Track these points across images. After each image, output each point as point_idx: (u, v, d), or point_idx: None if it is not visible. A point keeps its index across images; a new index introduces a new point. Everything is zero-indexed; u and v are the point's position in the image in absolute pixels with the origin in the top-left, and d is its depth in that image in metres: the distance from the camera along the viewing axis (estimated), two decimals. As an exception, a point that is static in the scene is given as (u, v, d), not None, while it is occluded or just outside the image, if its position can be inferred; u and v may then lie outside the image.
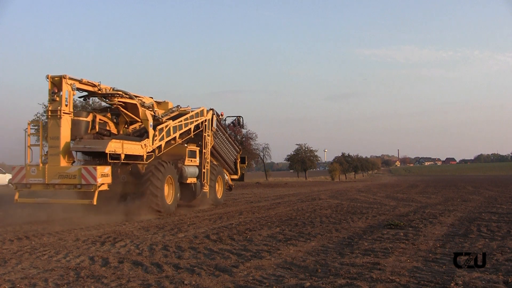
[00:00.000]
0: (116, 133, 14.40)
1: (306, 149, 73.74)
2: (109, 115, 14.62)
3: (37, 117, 32.95)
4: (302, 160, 72.23)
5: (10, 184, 31.22)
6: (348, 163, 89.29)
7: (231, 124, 22.48)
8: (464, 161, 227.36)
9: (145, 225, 11.51)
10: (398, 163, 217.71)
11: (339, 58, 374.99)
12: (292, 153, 73.82)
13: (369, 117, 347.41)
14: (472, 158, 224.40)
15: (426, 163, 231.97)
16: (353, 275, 6.02)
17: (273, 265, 6.73)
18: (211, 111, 17.56)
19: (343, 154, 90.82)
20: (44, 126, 13.45)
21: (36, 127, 13.69)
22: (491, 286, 5.49)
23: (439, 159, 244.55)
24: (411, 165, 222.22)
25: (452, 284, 5.54)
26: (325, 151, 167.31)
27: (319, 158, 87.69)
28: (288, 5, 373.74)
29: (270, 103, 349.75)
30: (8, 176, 34.15)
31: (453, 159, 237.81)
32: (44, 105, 32.55)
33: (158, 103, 15.84)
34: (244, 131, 46.77)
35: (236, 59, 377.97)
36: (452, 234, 9.68)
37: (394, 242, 8.68)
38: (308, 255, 7.45)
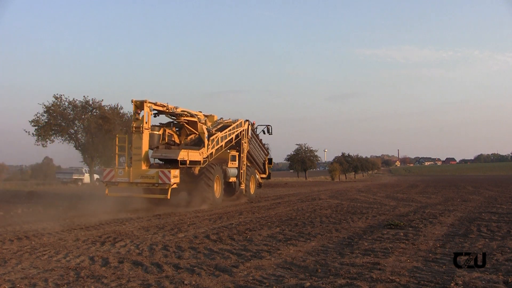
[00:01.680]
0: (179, 143, 17.55)
1: (306, 149, 73.54)
2: (173, 128, 17.75)
3: (37, 117, 33.02)
4: (302, 160, 72.05)
5: (97, 183, 36.44)
6: (348, 163, 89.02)
7: (262, 132, 24.47)
8: (464, 161, 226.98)
9: (145, 225, 11.51)
10: (398, 163, 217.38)
11: (339, 58, 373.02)
12: (292, 153, 73.59)
13: (369, 117, 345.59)
14: (472, 158, 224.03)
15: (426, 163, 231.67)
16: (353, 275, 6.02)
17: (273, 265, 6.74)
18: (247, 122, 20.91)
19: (343, 154, 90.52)
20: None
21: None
22: (491, 286, 5.49)
23: (439, 159, 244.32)
24: (411, 165, 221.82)
25: (452, 284, 5.54)
26: (325, 151, 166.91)
27: (319, 158, 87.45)
28: (288, 5, 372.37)
29: (270, 103, 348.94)
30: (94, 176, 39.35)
31: (453, 159, 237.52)
32: (44, 105, 32.89)
33: (206, 116, 18.85)
34: None
35: (236, 59, 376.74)
36: (452, 234, 9.68)
37: (394, 242, 8.69)
38: (308, 255, 7.45)
